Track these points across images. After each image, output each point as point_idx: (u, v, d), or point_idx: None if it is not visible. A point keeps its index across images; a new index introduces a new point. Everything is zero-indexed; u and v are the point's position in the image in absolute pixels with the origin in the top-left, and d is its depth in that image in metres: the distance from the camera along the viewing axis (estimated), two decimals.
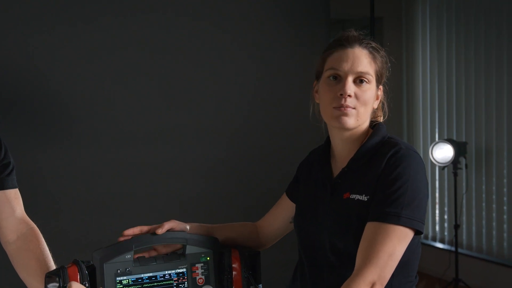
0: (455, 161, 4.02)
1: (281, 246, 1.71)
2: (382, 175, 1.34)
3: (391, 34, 5.10)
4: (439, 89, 4.79)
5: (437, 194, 4.85)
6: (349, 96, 1.37)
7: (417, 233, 1.33)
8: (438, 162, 4.14)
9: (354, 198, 1.37)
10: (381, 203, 1.30)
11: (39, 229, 1.59)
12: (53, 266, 1.52)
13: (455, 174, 4.13)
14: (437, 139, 4.66)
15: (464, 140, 4.45)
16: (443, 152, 4.07)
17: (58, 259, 1.56)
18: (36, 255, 1.52)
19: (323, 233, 1.42)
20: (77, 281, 1.32)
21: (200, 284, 1.44)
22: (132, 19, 2.64)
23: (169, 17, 2.74)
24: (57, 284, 1.30)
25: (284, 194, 1.65)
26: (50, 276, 1.32)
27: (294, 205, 1.59)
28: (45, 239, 1.59)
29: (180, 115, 2.78)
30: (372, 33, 3.23)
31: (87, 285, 1.33)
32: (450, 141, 4.11)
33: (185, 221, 1.55)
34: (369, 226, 1.31)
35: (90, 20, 2.51)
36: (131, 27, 2.63)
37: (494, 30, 4.27)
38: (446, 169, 4.48)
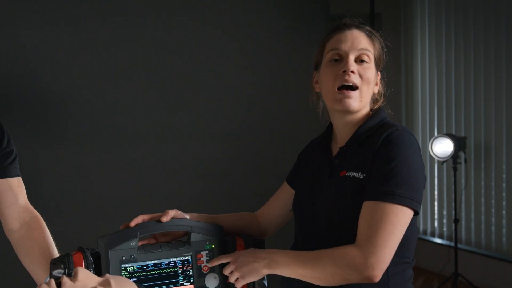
0: (454, 156, 4.02)
1: (285, 234, 1.71)
2: (378, 154, 1.35)
3: (390, 30, 5.10)
4: (438, 84, 4.79)
5: (436, 189, 4.86)
6: (352, 72, 1.39)
7: (414, 213, 1.33)
8: (437, 157, 4.14)
9: (350, 176, 1.38)
10: (377, 182, 1.31)
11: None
12: (56, 254, 1.51)
13: (455, 169, 4.13)
14: (436, 134, 4.66)
15: (463, 135, 4.45)
16: (442, 147, 4.07)
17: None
18: (39, 243, 1.52)
19: (319, 213, 1.43)
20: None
21: (205, 272, 1.44)
22: (130, 19, 2.64)
23: (166, 16, 2.74)
24: (62, 271, 1.29)
25: (285, 182, 1.66)
26: (55, 263, 1.31)
27: (293, 192, 1.60)
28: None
29: (179, 114, 2.78)
30: (372, 28, 3.22)
31: (92, 271, 1.32)
32: (449, 135, 4.11)
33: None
34: (366, 205, 1.31)
35: (89, 20, 2.52)
36: (129, 27, 2.63)
37: (493, 25, 4.27)
38: (445, 164, 4.48)
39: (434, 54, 4.83)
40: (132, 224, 1.39)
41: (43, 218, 1.61)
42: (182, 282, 1.42)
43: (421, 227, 5.02)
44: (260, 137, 2.99)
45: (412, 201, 1.30)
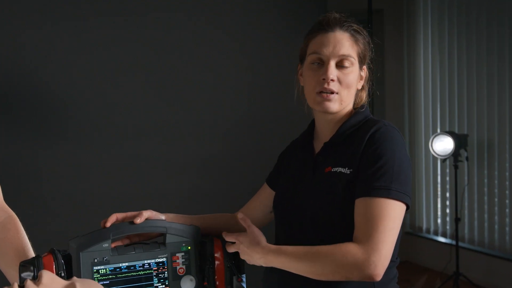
0: (455, 154, 3.96)
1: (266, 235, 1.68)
2: (366, 151, 1.34)
3: (392, 26, 5.05)
4: (441, 81, 4.73)
5: (439, 187, 4.81)
6: (332, 80, 1.38)
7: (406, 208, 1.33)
8: (438, 155, 4.08)
9: (336, 171, 1.37)
10: (369, 179, 1.30)
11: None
12: (32, 256, 1.48)
13: (456, 167, 4.07)
14: (439, 132, 4.61)
15: (466, 132, 4.39)
16: (443, 145, 4.01)
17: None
18: (14, 245, 1.48)
19: (305, 210, 1.41)
20: (53, 270, 1.28)
21: (181, 274, 1.40)
22: (128, 17, 2.63)
23: (166, 15, 2.73)
24: (32, 273, 1.27)
25: (265, 183, 1.64)
26: (24, 265, 1.28)
27: (273, 193, 1.58)
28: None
29: (178, 113, 2.78)
30: (370, 26, 3.17)
31: (62, 274, 1.29)
32: (450, 133, 4.05)
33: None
34: (360, 203, 1.30)
35: (87, 18, 2.51)
36: (127, 25, 2.63)
37: (496, 22, 4.20)
38: (448, 161, 4.42)
39: (436, 50, 4.76)
40: (108, 224, 1.37)
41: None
42: (157, 284, 1.38)
43: (424, 226, 4.97)
44: (258, 133, 2.97)
45: (405, 196, 1.30)
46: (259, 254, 1.34)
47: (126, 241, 1.43)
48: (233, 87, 2.92)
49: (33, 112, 2.40)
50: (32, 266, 1.27)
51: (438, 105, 4.77)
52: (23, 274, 1.27)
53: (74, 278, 0.99)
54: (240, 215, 1.41)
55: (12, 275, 1.46)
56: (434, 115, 4.82)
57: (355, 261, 1.23)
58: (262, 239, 1.37)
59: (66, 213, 2.45)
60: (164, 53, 2.73)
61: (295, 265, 1.30)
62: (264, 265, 1.36)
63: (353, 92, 1.44)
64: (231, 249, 1.41)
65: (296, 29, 3.01)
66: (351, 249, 1.25)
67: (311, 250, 1.29)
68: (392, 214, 1.27)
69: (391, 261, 1.40)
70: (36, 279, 0.96)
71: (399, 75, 5.10)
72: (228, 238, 1.42)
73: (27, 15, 2.37)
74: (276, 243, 1.52)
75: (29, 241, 1.55)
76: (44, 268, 1.27)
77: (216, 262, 1.42)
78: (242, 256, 1.39)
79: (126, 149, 2.62)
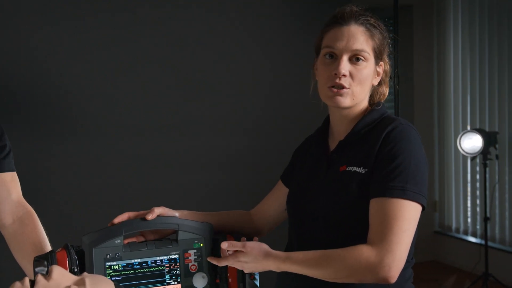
0: (484, 152, 3.87)
1: (279, 233, 1.66)
2: (382, 150, 1.31)
3: (421, 22, 4.96)
4: (471, 77, 4.63)
5: (469, 186, 4.71)
6: (344, 75, 1.35)
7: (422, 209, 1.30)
8: (466, 153, 4.00)
9: (351, 170, 1.34)
10: (384, 179, 1.27)
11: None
12: (48, 250, 1.51)
13: (485, 165, 3.98)
14: (469, 129, 4.52)
15: (496, 130, 4.29)
16: (471, 142, 3.93)
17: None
18: (31, 239, 1.51)
19: (317, 209, 1.39)
20: (66, 266, 1.30)
21: (193, 271, 1.40)
22: (147, 11, 2.64)
23: (182, 9, 2.72)
24: (45, 268, 1.28)
25: (279, 180, 1.62)
26: (38, 260, 1.30)
27: (288, 190, 1.55)
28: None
29: (196, 107, 2.77)
30: (396, 22, 3.11)
31: (75, 269, 1.31)
32: (479, 130, 3.96)
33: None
34: (375, 203, 1.27)
35: (89, 17, 2.52)
36: (146, 19, 2.64)
37: None
38: (477, 159, 4.33)
39: (467, 46, 4.67)
40: (116, 221, 1.37)
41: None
42: (169, 281, 1.39)
43: (453, 225, 4.89)
44: (279, 128, 2.96)
45: (421, 197, 1.27)
46: (270, 267, 1.31)
47: (142, 239, 1.43)
48: (253, 82, 2.91)
49: (32, 112, 2.43)
50: (46, 261, 1.29)
51: (468, 102, 4.68)
52: (37, 269, 1.29)
53: (85, 273, 1.00)
54: (223, 245, 1.34)
55: (29, 269, 1.49)
56: (464, 112, 4.73)
57: (368, 264, 1.21)
58: (264, 247, 1.33)
59: (84, 209, 2.48)
60: (184, 48, 2.74)
61: (308, 272, 1.28)
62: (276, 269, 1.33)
63: (366, 88, 1.41)
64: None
65: (318, 24, 2.99)
66: (364, 252, 1.22)
67: (323, 255, 1.27)
68: (407, 215, 1.24)
69: (406, 261, 1.37)
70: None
71: (428, 72, 5.01)
72: (236, 246, 1.35)
73: (27, 15, 2.39)
74: (289, 241, 1.52)
75: (47, 236, 1.58)
76: (58, 263, 1.29)
77: None
78: (249, 271, 1.35)
79: (143, 146, 2.64)
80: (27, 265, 1.50)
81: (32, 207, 1.60)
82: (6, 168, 1.53)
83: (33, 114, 2.42)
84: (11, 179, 1.55)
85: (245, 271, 1.36)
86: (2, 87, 2.35)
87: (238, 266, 1.35)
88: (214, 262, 1.39)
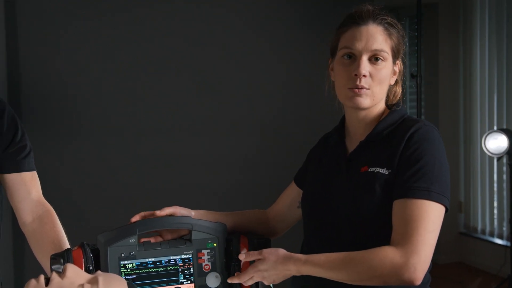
0: (510, 152, 3.81)
1: (293, 234, 1.67)
2: (406, 151, 1.31)
3: (447, 20, 4.89)
4: (498, 77, 4.55)
5: (495, 187, 4.64)
6: (364, 76, 1.34)
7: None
8: (491, 153, 3.93)
9: (373, 171, 1.34)
10: (408, 180, 1.27)
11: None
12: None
13: (511, 166, 3.91)
14: (496, 128, 4.44)
15: None
16: (497, 142, 3.86)
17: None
18: (50, 237, 1.55)
19: (339, 210, 1.38)
20: (81, 264, 1.33)
21: (206, 271, 1.42)
22: (148, 11, 2.65)
23: (183, 9, 2.74)
24: (61, 266, 1.32)
25: (293, 181, 1.62)
26: (55, 258, 1.34)
27: (301, 192, 1.55)
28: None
29: (214, 108, 2.79)
30: (419, 20, 3.08)
31: (90, 268, 1.34)
32: (505, 130, 3.89)
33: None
34: (399, 204, 1.27)
35: (102, 12, 2.55)
36: (162, 19, 2.66)
37: None
38: (504, 160, 4.25)
39: (494, 45, 4.58)
40: (133, 220, 1.40)
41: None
42: (183, 280, 1.41)
43: (479, 226, 4.81)
44: (296, 128, 2.96)
45: (446, 199, 1.27)
46: (291, 271, 1.30)
47: (159, 239, 1.45)
48: (270, 83, 2.91)
49: (33, 111, 2.46)
50: (62, 259, 1.32)
51: (495, 102, 4.59)
52: (54, 267, 1.32)
53: (98, 272, 1.02)
54: (240, 257, 1.36)
55: (48, 267, 1.52)
56: (491, 112, 4.64)
57: (393, 265, 1.20)
58: (282, 251, 1.32)
59: (103, 208, 2.52)
60: (185, 50, 2.76)
61: (330, 274, 1.26)
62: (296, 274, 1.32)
63: (385, 88, 1.40)
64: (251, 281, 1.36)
65: (335, 23, 2.98)
66: (388, 253, 1.21)
67: (346, 257, 1.25)
68: (432, 216, 1.24)
69: None
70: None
71: (454, 71, 4.94)
72: (253, 256, 1.36)
73: (27, 15, 2.42)
74: (305, 240, 1.51)
75: (66, 234, 1.61)
76: (74, 262, 1.32)
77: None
78: (270, 282, 1.34)
79: (165, 144, 2.66)
80: (46, 262, 1.52)
81: (56, 205, 1.64)
82: (26, 168, 1.57)
83: (41, 116, 2.45)
84: (31, 178, 1.59)
85: (266, 283, 1.34)
86: (7, 90, 2.39)
87: (259, 276, 1.33)
88: (236, 281, 1.38)
